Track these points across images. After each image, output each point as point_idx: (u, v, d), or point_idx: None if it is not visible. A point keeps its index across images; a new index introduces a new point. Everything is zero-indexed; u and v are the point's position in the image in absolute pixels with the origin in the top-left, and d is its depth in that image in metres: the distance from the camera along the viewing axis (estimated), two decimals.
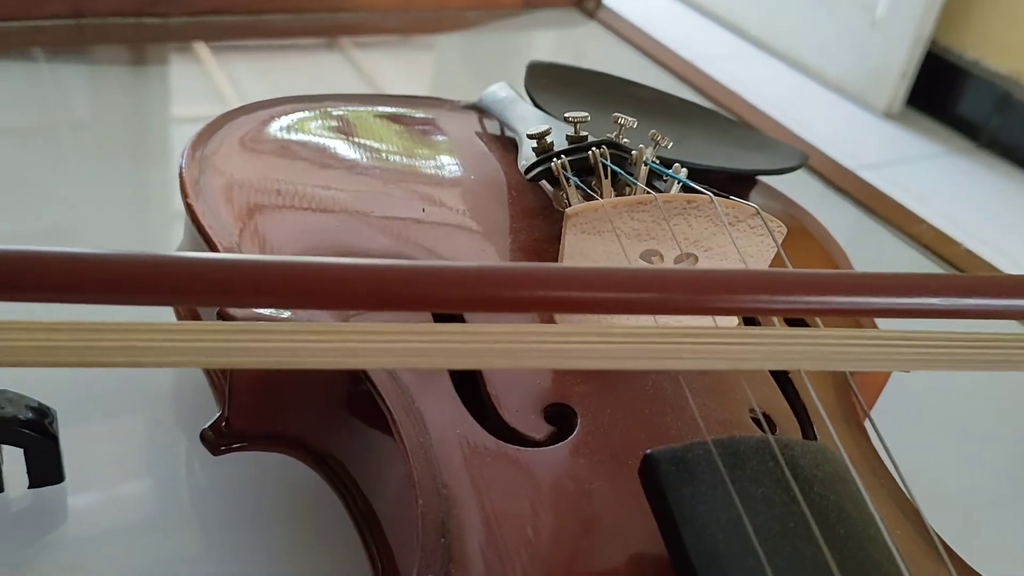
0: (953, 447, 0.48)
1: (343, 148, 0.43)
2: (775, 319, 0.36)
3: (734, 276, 0.26)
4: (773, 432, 0.32)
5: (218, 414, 0.34)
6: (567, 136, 0.41)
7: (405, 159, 0.44)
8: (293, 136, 0.44)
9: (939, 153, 0.88)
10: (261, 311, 0.31)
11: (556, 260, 0.35)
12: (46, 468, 0.35)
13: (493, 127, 0.48)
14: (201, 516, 0.37)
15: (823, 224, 0.48)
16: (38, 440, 0.34)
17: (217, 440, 0.34)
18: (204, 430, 0.34)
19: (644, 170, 0.39)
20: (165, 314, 0.40)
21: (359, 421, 0.34)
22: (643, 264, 0.34)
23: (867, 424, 0.36)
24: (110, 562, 0.35)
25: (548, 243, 0.39)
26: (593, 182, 0.39)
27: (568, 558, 0.27)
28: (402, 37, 0.89)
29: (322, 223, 0.38)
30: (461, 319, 0.33)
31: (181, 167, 0.39)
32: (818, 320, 0.33)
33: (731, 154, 0.50)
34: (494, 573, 0.26)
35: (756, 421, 0.33)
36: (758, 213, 0.34)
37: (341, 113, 0.46)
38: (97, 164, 0.61)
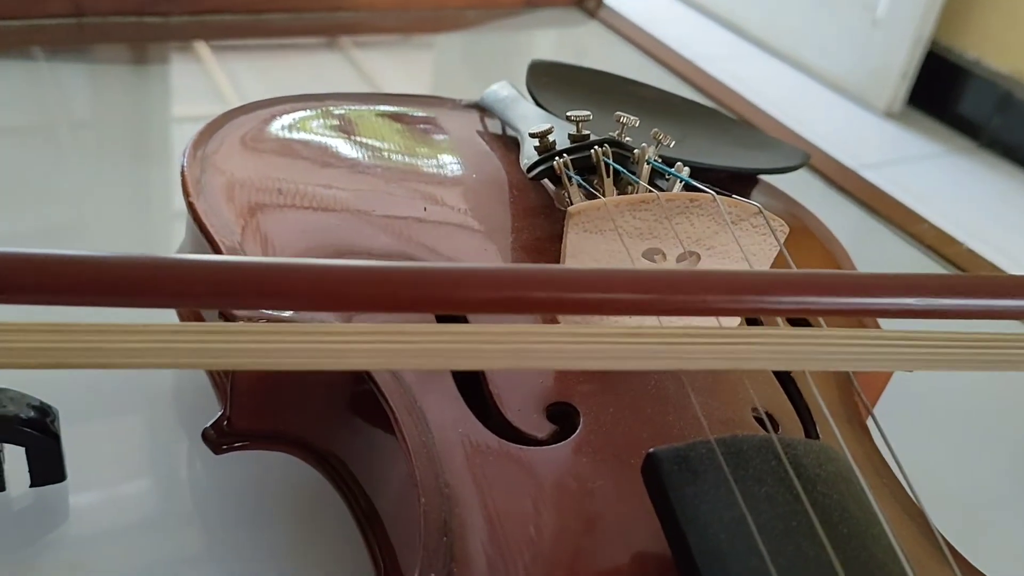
0: (955, 447, 0.48)
1: (344, 147, 0.43)
2: (778, 319, 0.36)
3: (737, 277, 0.26)
4: (776, 431, 0.32)
5: (220, 413, 0.34)
6: (569, 135, 0.41)
7: (406, 158, 0.43)
8: (294, 135, 0.44)
9: (940, 153, 0.88)
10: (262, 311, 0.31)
11: (558, 259, 0.35)
12: (48, 467, 0.35)
13: (494, 126, 0.48)
14: (203, 515, 0.37)
15: (825, 223, 0.48)
16: (40, 439, 0.34)
17: (219, 439, 0.34)
18: (206, 429, 0.34)
19: (646, 169, 0.39)
20: (167, 315, 0.40)
21: (361, 420, 0.34)
22: (645, 263, 0.34)
23: (870, 424, 0.36)
24: (112, 561, 0.35)
25: (550, 242, 0.39)
26: (595, 181, 0.39)
27: (570, 557, 0.27)
28: (402, 36, 0.89)
29: (323, 222, 0.38)
30: (464, 320, 0.33)
31: (183, 166, 0.38)
32: (821, 320, 0.33)
33: (733, 153, 0.49)
34: (496, 572, 0.26)
35: (759, 420, 0.33)
36: (761, 212, 0.34)
37: (342, 112, 0.46)
38: (97, 163, 0.61)
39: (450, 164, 0.44)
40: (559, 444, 0.30)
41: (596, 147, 0.39)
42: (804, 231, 0.47)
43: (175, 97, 0.71)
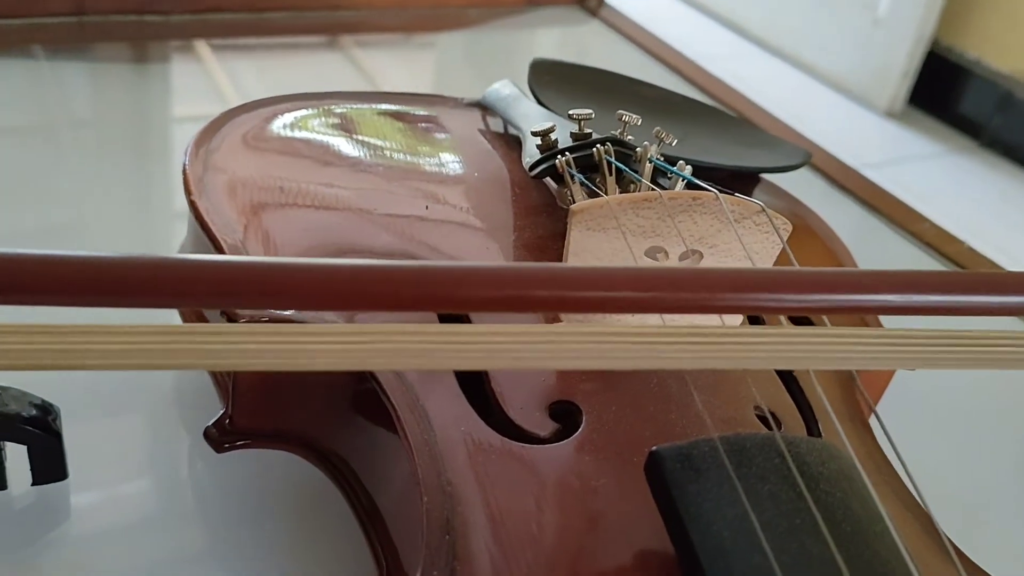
0: (957, 445, 0.48)
1: (346, 146, 0.43)
2: (781, 318, 0.36)
3: (740, 274, 0.26)
4: (778, 430, 0.32)
5: (221, 411, 0.34)
6: (571, 133, 0.41)
7: (408, 157, 0.43)
8: (296, 134, 0.43)
9: (941, 152, 0.88)
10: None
11: (560, 257, 0.35)
12: (49, 465, 0.35)
13: (496, 125, 0.48)
14: (204, 514, 0.37)
15: (826, 222, 0.48)
16: (41, 437, 0.34)
17: (220, 437, 0.34)
18: (208, 427, 0.34)
19: (648, 167, 0.39)
20: (170, 315, 0.40)
21: (363, 418, 0.34)
22: (648, 261, 0.34)
23: (872, 422, 0.36)
24: (113, 560, 0.35)
25: (552, 240, 0.39)
26: (597, 179, 0.39)
27: (573, 555, 0.27)
28: (403, 35, 0.89)
29: (325, 221, 0.38)
30: (467, 319, 0.33)
31: (184, 164, 0.38)
32: (825, 319, 0.33)
33: (735, 151, 0.49)
34: (499, 570, 0.26)
35: (761, 418, 0.33)
36: (763, 210, 0.34)
37: (344, 111, 0.46)
38: (98, 163, 0.61)
39: (452, 163, 0.44)
40: (561, 442, 0.30)
41: (598, 145, 0.39)
42: (806, 229, 0.47)
43: (176, 96, 0.71)
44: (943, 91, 0.93)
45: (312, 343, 0.23)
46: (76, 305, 0.21)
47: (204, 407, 0.37)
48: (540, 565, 0.26)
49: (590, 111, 0.41)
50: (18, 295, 0.21)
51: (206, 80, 0.72)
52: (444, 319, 0.33)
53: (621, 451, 0.30)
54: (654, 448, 0.27)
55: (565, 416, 0.31)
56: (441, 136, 0.47)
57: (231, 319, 0.31)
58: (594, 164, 0.39)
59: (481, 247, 0.39)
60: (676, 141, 0.41)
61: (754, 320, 0.37)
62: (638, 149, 0.39)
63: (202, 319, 0.38)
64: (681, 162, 0.39)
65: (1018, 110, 0.88)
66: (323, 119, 0.45)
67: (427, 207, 0.40)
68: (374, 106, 0.48)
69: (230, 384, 0.33)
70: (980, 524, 0.43)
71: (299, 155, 0.42)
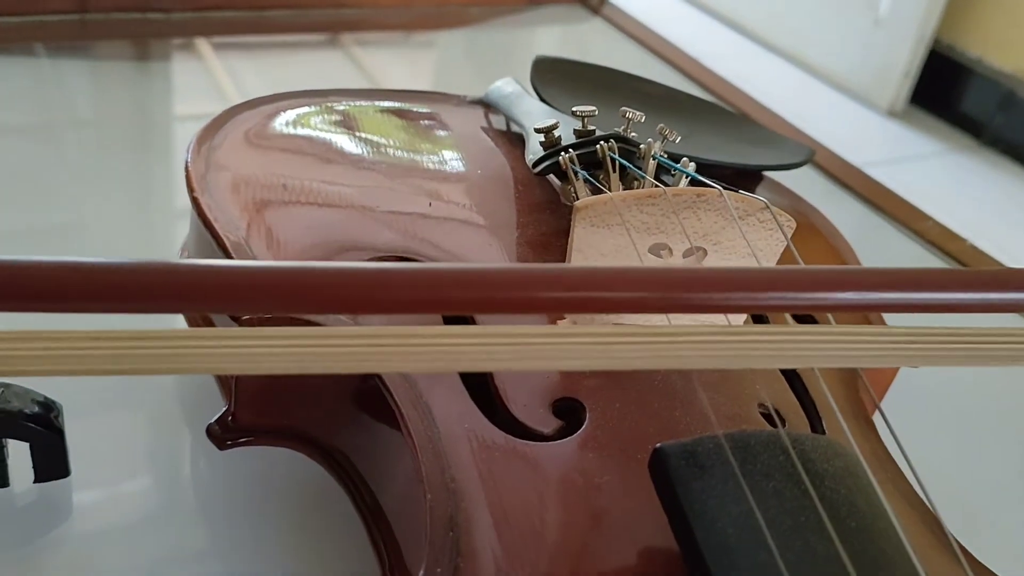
0: (960, 442, 0.48)
1: (348, 143, 0.43)
2: (785, 316, 0.36)
3: (744, 274, 0.26)
4: (783, 427, 0.32)
5: (224, 408, 0.34)
6: (575, 130, 0.41)
7: (410, 154, 0.43)
8: (298, 131, 0.43)
9: (943, 151, 0.88)
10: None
11: (564, 254, 0.35)
12: (52, 462, 0.35)
13: (499, 122, 0.48)
14: (207, 511, 0.37)
15: (829, 220, 0.48)
16: (44, 434, 0.34)
17: (223, 435, 0.34)
18: (210, 424, 0.34)
19: (652, 164, 0.39)
20: (174, 319, 0.40)
21: (367, 415, 0.33)
22: (652, 257, 0.34)
23: (876, 419, 0.36)
24: (115, 558, 0.35)
25: (556, 237, 0.39)
26: (601, 176, 0.39)
27: (577, 552, 0.27)
28: (405, 34, 0.89)
29: (328, 218, 0.38)
30: (471, 320, 0.33)
31: (187, 162, 0.38)
32: (829, 316, 0.33)
33: (738, 149, 0.49)
34: (502, 567, 0.26)
35: (766, 416, 0.33)
36: (768, 207, 0.34)
37: (346, 108, 0.46)
38: (99, 161, 0.61)
39: (454, 160, 0.44)
40: (565, 439, 0.30)
41: (602, 142, 0.39)
42: (809, 227, 0.46)
43: (177, 94, 0.71)
44: (945, 90, 0.93)
45: (318, 346, 0.23)
46: (79, 311, 0.21)
47: (206, 404, 0.36)
48: (544, 562, 0.26)
49: (594, 108, 0.41)
50: (27, 302, 0.21)
51: (207, 78, 0.72)
52: (449, 322, 0.32)
53: (625, 448, 0.30)
54: (658, 445, 0.27)
55: (569, 413, 0.31)
56: (443, 133, 0.47)
57: (237, 322, 0.31)
58: (598, 161, 0.39)
59: (484, 244, 0.38)
60: (680, 138, 0.41)
61: (758, 319, 0.37)
62: (642, 146, 0.39)
63: (208, 322, 0.38)
64: (684, 159, 0.39)
65: (1020, 109, 0.88)
66: (325, 116, 0.45)
67: (430, 204, 0.39)
68: (376, 103, 0.47)
69: (233, 381, 0.33)
70: (984, 522, 0.43)
71: (301, 152, 0.42)
